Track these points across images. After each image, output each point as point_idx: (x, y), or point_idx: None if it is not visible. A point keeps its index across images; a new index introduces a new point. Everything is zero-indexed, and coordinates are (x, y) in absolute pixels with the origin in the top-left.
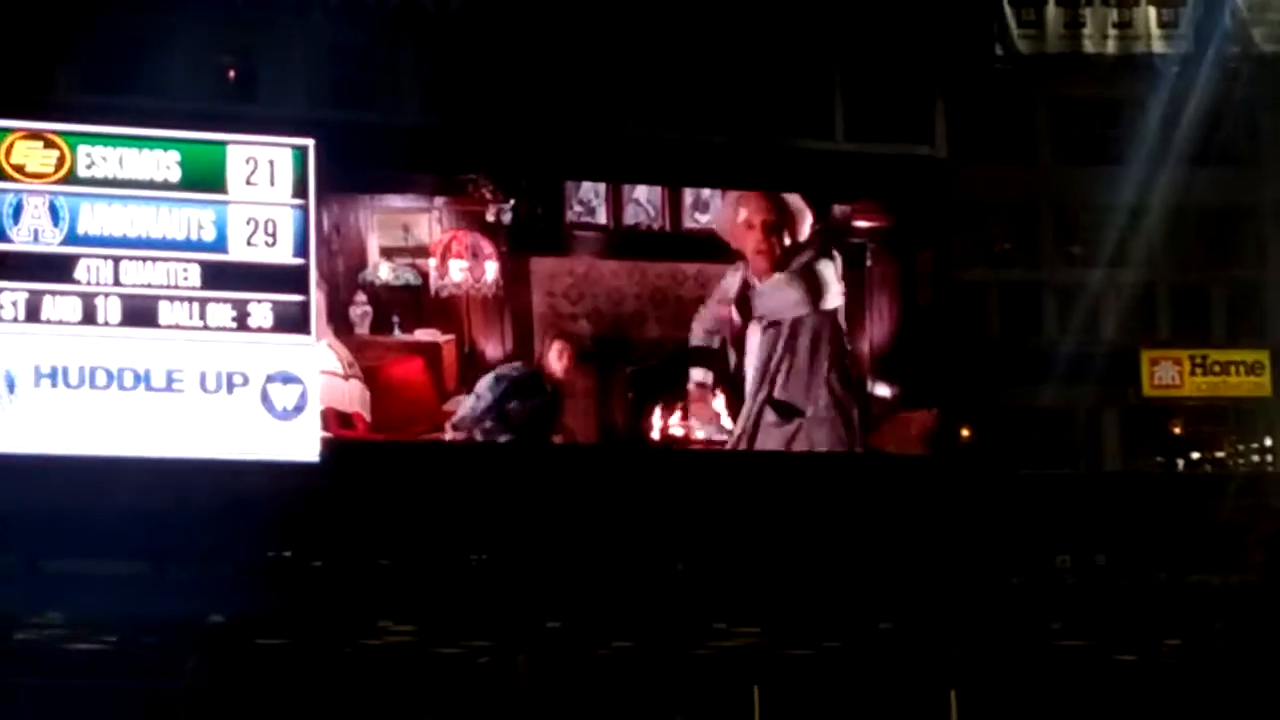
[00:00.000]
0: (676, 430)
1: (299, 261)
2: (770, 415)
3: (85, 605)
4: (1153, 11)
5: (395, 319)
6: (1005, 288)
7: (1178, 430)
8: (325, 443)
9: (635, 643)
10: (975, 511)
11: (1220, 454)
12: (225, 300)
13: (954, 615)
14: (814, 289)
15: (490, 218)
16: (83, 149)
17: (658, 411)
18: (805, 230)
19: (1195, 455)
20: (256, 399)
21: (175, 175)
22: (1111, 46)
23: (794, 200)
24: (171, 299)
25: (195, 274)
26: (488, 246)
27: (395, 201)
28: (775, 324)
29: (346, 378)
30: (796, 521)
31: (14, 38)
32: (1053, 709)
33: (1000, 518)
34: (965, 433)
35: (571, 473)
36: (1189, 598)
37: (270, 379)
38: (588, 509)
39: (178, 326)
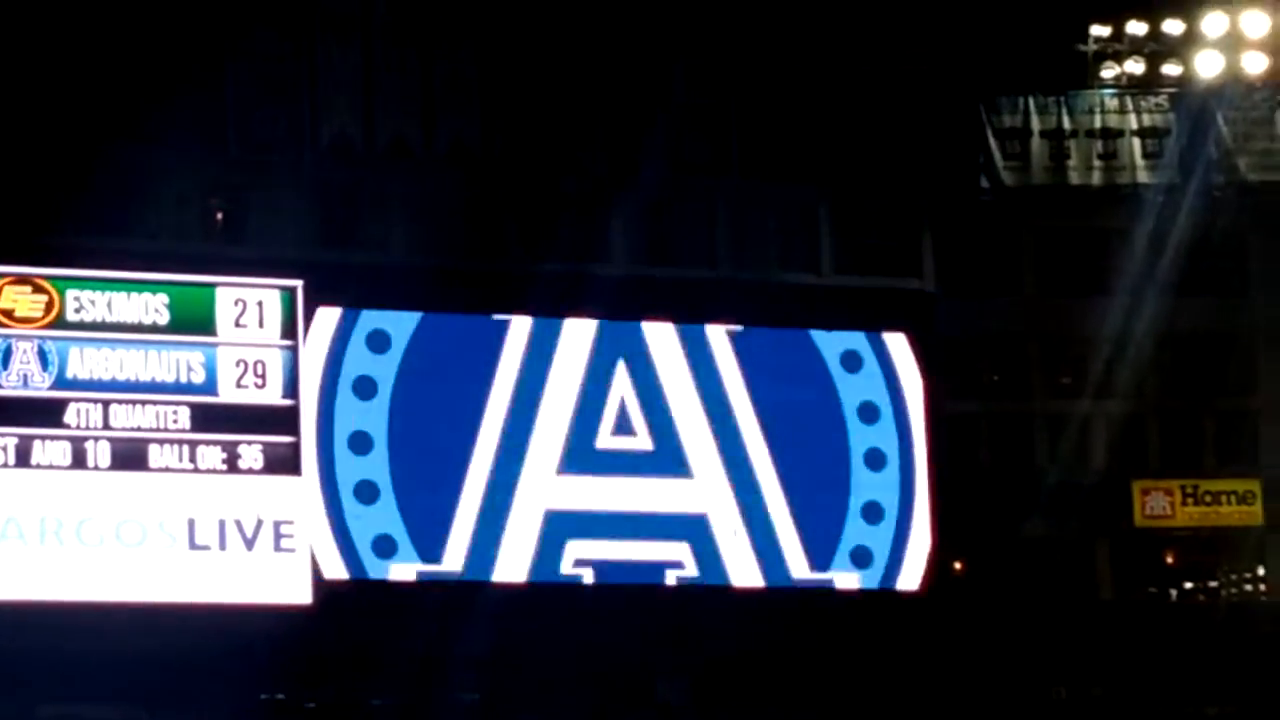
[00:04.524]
0: None
1: (289, 402)
2: None
3: None
4: (1137, 143)
5: None
6: (995, 419)
7: (1170, 560)
8: (317, 584)
9: None
10: (969, 643)
11: (1213, 583)
12: (215, 442)
13: None
14: None
15: None
16: (71, 293)
17: None
18: None
19: (1188, 585)
20: (247, 541)
21: (164, 318)
22: (1096, 178)
23: None
24: (161, 442)
25: (185, 416)
26: None
27: None
28: None
29: None
30: (789, 659)
31: (2, 182)
32: None
33: (995, 649)
34: (958, 565)
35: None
36: None
37: (261, 521)
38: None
39: (168, 469)
